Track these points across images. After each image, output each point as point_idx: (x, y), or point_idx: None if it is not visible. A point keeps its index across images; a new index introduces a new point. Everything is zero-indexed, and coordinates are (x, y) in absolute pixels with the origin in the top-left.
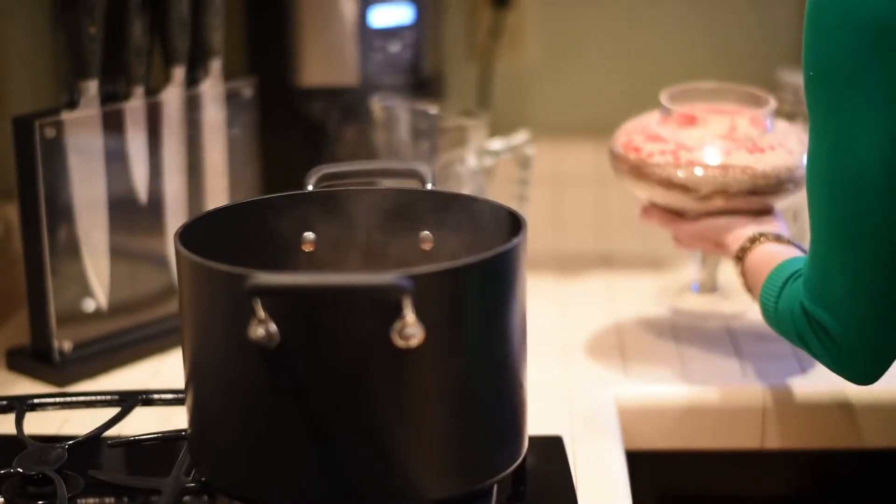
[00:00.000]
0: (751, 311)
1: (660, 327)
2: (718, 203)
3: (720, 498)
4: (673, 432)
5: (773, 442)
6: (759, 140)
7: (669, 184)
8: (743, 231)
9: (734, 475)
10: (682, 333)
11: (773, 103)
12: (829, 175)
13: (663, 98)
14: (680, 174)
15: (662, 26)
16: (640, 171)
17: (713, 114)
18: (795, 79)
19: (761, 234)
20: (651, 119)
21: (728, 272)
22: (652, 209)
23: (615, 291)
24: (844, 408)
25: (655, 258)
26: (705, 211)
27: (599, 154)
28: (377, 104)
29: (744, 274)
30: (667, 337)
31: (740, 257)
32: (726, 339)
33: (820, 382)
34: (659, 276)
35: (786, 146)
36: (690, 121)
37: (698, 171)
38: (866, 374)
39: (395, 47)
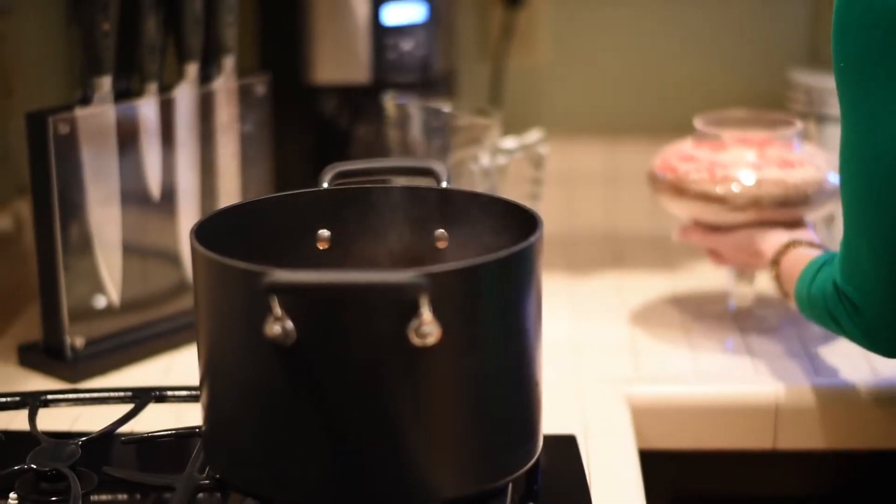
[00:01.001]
0: (761, 307)
1: (671, 326)
2: (752, 215)
3: (732, 498)
4: (685, 432)
5: (786, 442)
6: (788, 157)
7: (706, 198)
8: (778, 238)
9: (746, 475)
10: (694, 333)
11: (799, 125)
12: (859, 159)
13: (697, 123)
14: (717, 189)
15: (675, 25)
16: (678, 189)
17: (743, 140)
18: (808, 79)
19: (796, 241)
20: (684, 144)
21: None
22: (690, 227)
23: (626, 290)
24: (858, 408)
25: (666, 258)
26: (741, 223)
27: (611, 153)
28: (390, 102)
29: (778, 277)
30: (679, 336)
31: (776, 261)
32: (739, 338)
33: (833, 382)
34: (671, 275)
35: (814, 163)
36: (722, 147)
37: (735, 187)
38: (892, 347)
39: (407, 45)
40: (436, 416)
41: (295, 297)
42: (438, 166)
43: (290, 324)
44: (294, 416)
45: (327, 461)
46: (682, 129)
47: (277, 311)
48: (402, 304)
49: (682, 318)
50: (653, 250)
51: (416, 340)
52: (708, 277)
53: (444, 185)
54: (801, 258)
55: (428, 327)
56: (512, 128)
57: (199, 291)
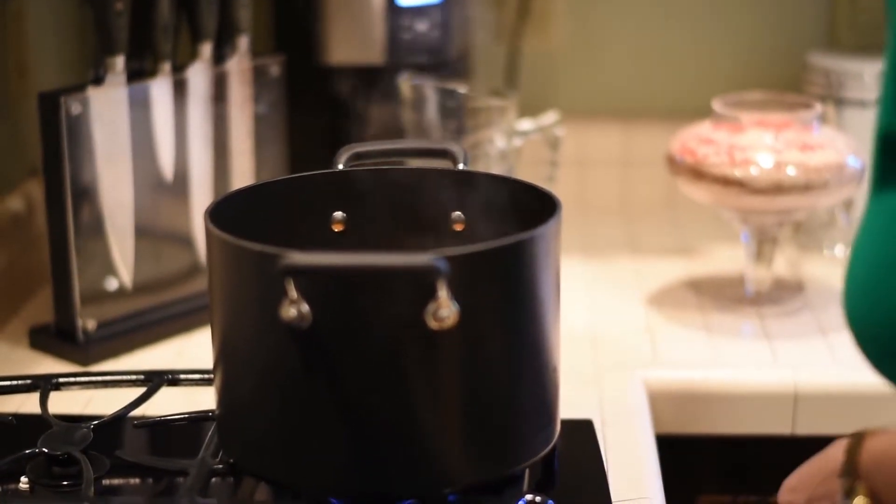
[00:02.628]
0: (779, 291)
1: (689, 310)
2: (772, 198)
3: (750, 484)
4: (703, 417)
5: (805, 428)
6: (808, 140)
7: (726, 181)
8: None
9: (765, 461)
10: (712, 318)
11: (818, 108)
12: None
13: (715, 106)
14: (736, 173)
15: (692, 8)
16: (697, 172)
17: (762, 123)
18: (826, 62)
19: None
20: (702, 127)
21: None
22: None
23: (643, 274)
24: (876, 394)
25: (683, 241)
26: (759, 209)
27: (627, 135)
28: (405, 83)
29: (871, 474)
30: (696, 320)
31: (853, 453)
32: (757, 323)
33: (852, 368)
34: (687, 259)
35: (834, 147)
36: (741, 129)
37: (753, 170)
38: None
39: (422, 26)
40: (453, 400)
41: (311, 280)
42: (455, 148)
43: (305, 307)
44: (309, 400)
45: (343, 446)
46: (699, 112)
47: (293, 293)
48: (420, 287)
49: (700, 302)
50: (669, 234)
51: (433, 324)
52: (725, 261)
53: (461, 166)
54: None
55: (445, 311)
56: (527, 110)
57: (213, 274)
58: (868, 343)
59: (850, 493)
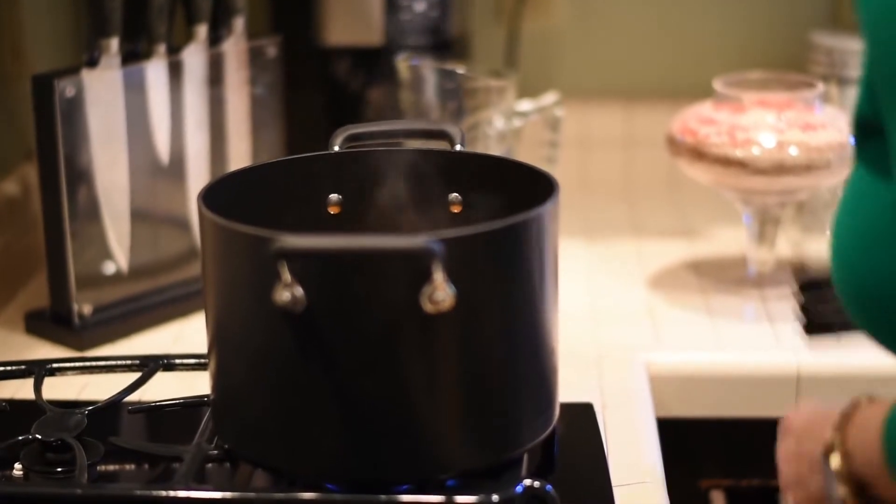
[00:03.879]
0: (781, 273)
1: (690, 292)
2: (774, 178)
3: (753, 467)
4: (705, 400)
5: None
6: (811, 120)
7: (727, 162)
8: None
9: (767, 444)
10: (714, 300)
11: (820, 87)
12: None
13: (716, 85)
14: (738, 153)
15: None
16: (698, 153)
17: (764, 102)
18: (829, 41)
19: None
20: (704, 107)
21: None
22: None
23: (644, 256)
24: (879, 376)
25: (685, 223)
26: (761, 189)
27: (628, 116)
28: (403, 63)
29: (849, 459)
30: (698, 302)
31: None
32: (760, 305)
33: (854, 350)
34: (689, 240)
35: (836, 126)
36: (742, 109)
37: (755, 150)
38: None
39: (421, 6)
40: (450, 384)
41: (305, 263)
42: (453, 129)
43: (299, 290)
44: (304, 385)
45: (338, 431)
46: (701, 92)
47: (287, 277)
48: (415, 270)
49: (701, 284)
50: (671, 215)
51: (429, 307)
52: (727, 243)
53: (458, 147)
54: (867, 419)
55: (441, 293)
56: (527, 91)
57: (206, 257)
58: (851, 307)
59: (830, 450)
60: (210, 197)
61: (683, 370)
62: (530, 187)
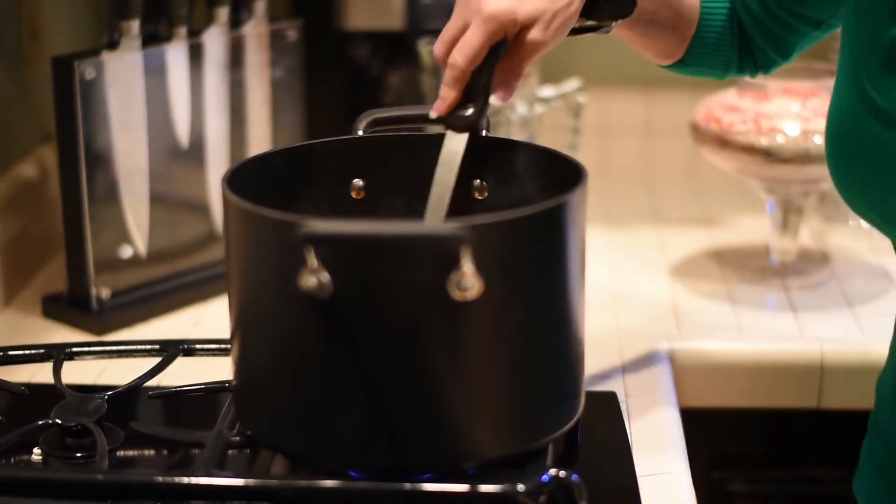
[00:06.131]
0: (804, 262)
1: (713, 281)
2: (798, 167)
3: (775, 458)
4: (727, 390)
5: (831, 401)
6: None
7: (752, 150)
8: None
9: (790, 434)
10: (736, 289)
11: None
12: None
13: None
14: (763, 141)
15: None
16: (722, 141)
17: (789, 90)
18: None
19: None
20: (728, 94)
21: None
22: None
23: (666, 244)
24: None
25: (706, 211)
26: (785, 178)
27: (648, 104)
28: (425, 48)
29: None
30: (720, 292)
31: None
32: (782, 295)
33: (878, 340)
34: (711, 229)
35: None
36: (767, 97)
37: (780, 139)
38: None
39: None
40: (477, 373)
41: (331, 249)
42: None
43: (326, 276)
44: (329, 372)
45: (363, 419)
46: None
47: (313, 262)
48: (443, 257)
49: (724, 273)
50: (692, 203)
51: (456, 294)
52: (749, 232)
53: (482, 133)
54: None
55: (469, 281)
56: (549, 77)
57: (230, 242)
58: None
59: None
60: (234, 181)
61: (706, 360)
62: (556, 174)
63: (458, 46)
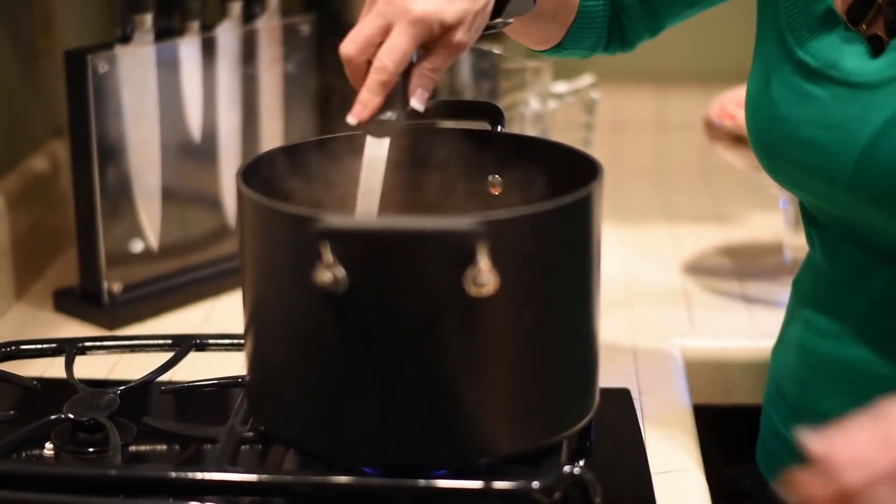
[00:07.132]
0: None
1: (725, 278)
2: None
3: None
4: (740, 387)
5: None
6: None
7: None
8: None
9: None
10: (750, 286)
11: None
12: None
13: None
14: None
15: None
16: (736, 137)
17: None
18: None
19: None
20: (742, 90)
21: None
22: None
23: (678, 241)
24: None
25: (719, 208)
26: None
27: (660, 101)
28: None
29: None
30: (733, 289)
31: None
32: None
33: None
34: (723, 225)
35: None
36: None
37: None
38: None
39: None
40: (492, 369)
41: (347, 244)
42: (495, 108)
43: (341, 271)
44: (344, 367)
45: (377, 415)
46: (734, 76)
47: (329, 257)
48: (459, 252)
49: (736, 270)
50: (705, 200)
51: (472, 290)
52: (762, 228)
53: (499, 128)
54: None
55: (485, 276)
56: (561, 73)
57: (245, 237)
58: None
59: None
60: (248, 175)
61: (719, 357)
62: (571, 170)
63: (385, 50)
